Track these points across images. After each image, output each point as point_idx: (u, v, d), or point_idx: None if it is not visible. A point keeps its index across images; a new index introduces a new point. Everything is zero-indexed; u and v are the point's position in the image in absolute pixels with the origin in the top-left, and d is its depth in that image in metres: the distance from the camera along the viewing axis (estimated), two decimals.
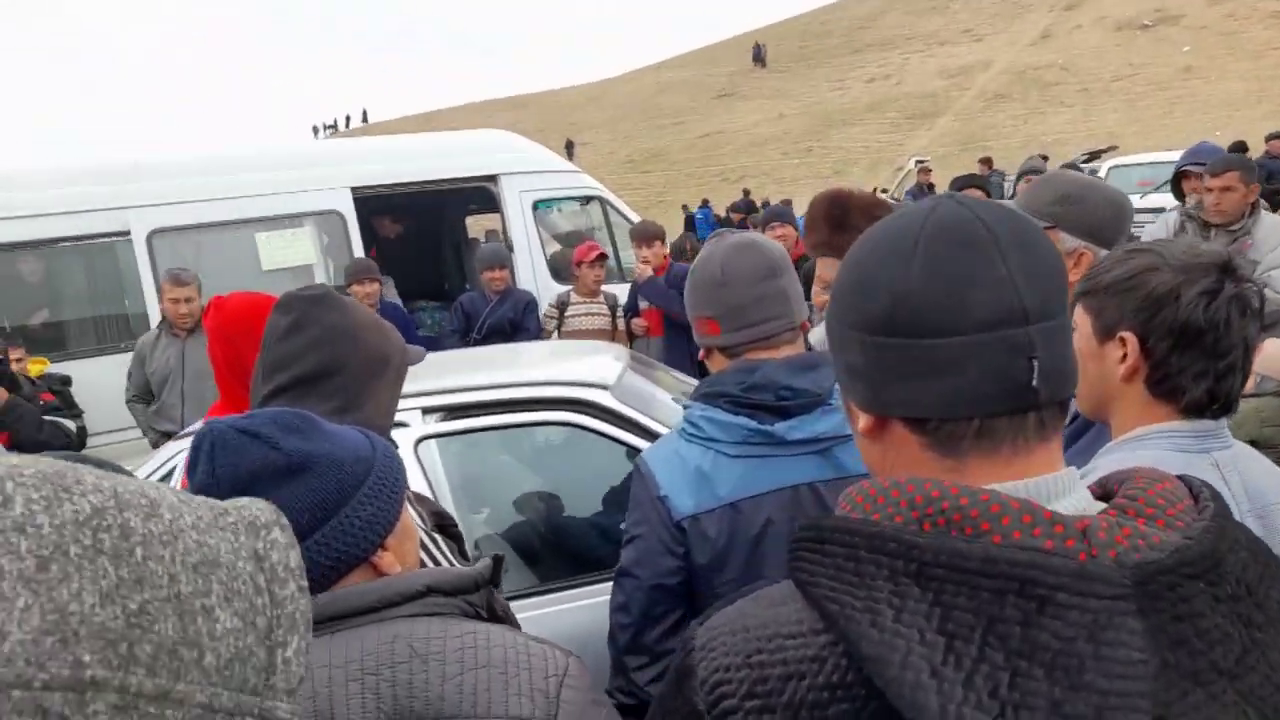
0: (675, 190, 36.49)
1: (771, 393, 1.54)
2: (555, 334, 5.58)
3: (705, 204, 22.18)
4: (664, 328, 5.25)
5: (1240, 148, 6.08)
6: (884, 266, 0.74)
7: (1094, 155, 18.48)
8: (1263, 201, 3.94)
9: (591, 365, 3.16)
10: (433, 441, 2.62)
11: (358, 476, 1.07)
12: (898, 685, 0.61)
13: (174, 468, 2.68)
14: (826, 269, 2.12)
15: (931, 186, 14.60)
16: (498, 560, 1.19)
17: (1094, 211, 2.00)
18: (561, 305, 5.71)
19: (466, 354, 3.57)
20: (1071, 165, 16.73)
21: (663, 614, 1.55)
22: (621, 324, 5.60)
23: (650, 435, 2.75)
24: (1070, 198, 1.99)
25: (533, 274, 6.60)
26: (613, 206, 7.19)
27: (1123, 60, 41.35)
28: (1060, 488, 0.71)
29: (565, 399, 2.77)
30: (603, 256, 5.58)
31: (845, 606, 0.66)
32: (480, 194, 7.07)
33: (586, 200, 7.49)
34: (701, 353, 1.70)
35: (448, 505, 2.53)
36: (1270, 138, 11.34)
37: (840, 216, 2.11)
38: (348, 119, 77.34)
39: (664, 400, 3.06)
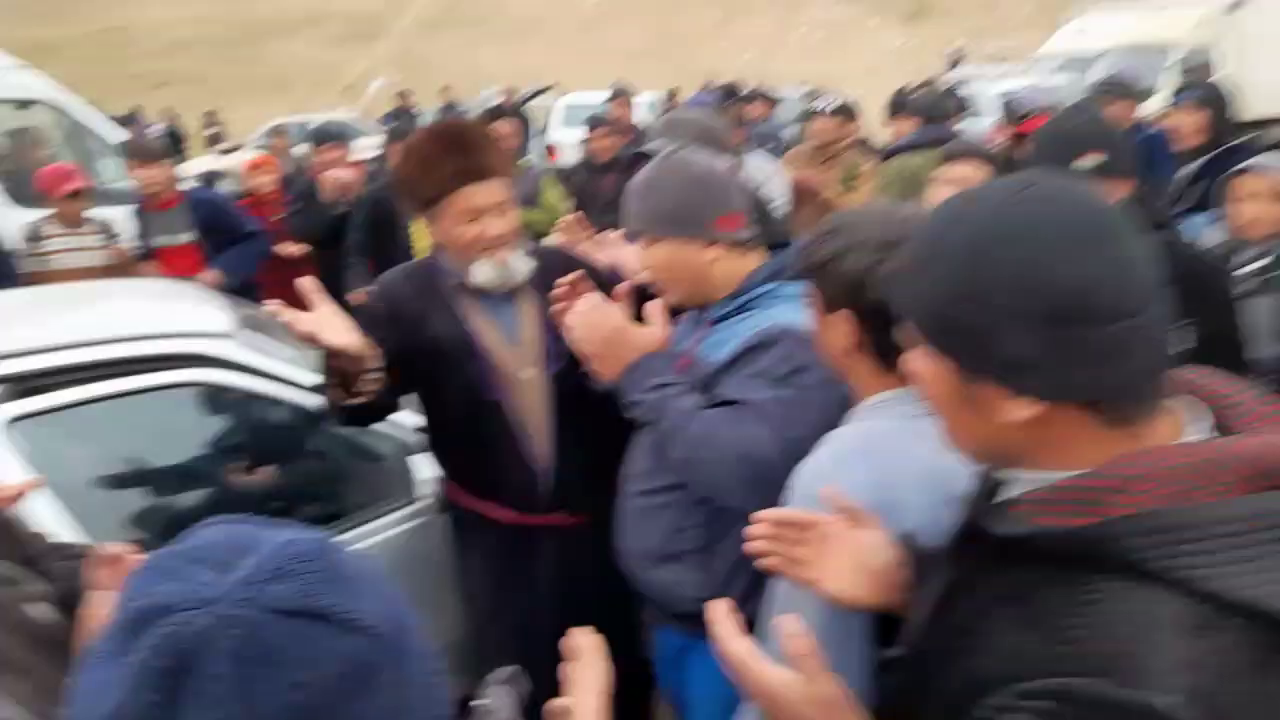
0: (82, 94, 30.44)
1: None
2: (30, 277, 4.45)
3: (136, 112, 18.97)
4: (207, 265, 4.54)
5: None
6: (1067, 258, 0.76)
7: (540, 91, 20.10)
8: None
9: (199, 310, 2.68)
10: (26, 424, 2.00)
11: (413, 620, 0.70)
12: None
13: None
14: (475, 197, 1.98)
15: (411, 111, 14.51)
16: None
17: (722, 138, 2.70)
18: (35, 238, 4.59)
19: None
20: (521, 101, 18.10)
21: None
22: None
23: (288, 384, 2.45)
24: (707, 130, 2.63)
25: None
26: (73, 116, 5.85)
27: (543, 3, 45.13)
28: None
29: (188, 354, 2.33)
30: (80, 192, 4.58)
31: (1263, 587, 0.71)
32: None
33: (26, 104, 5.98)
34: (713, 254, 1.75)
35: (65, 510, 1.98)
36: (671, 95, 13.63)
37: (467, 140, 2.01)
38: None
39: (277, 344, 2.74)
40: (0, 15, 42.12)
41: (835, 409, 1.50)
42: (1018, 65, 18.22)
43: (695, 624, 1.77)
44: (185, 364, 2.28)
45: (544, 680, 1.12)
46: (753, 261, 1.79)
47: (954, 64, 20.11)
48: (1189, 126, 3.79)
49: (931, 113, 4.37)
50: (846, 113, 4.66)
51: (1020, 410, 0.80)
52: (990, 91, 11.28)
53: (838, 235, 1.37)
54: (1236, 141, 3.75)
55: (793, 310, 1.68)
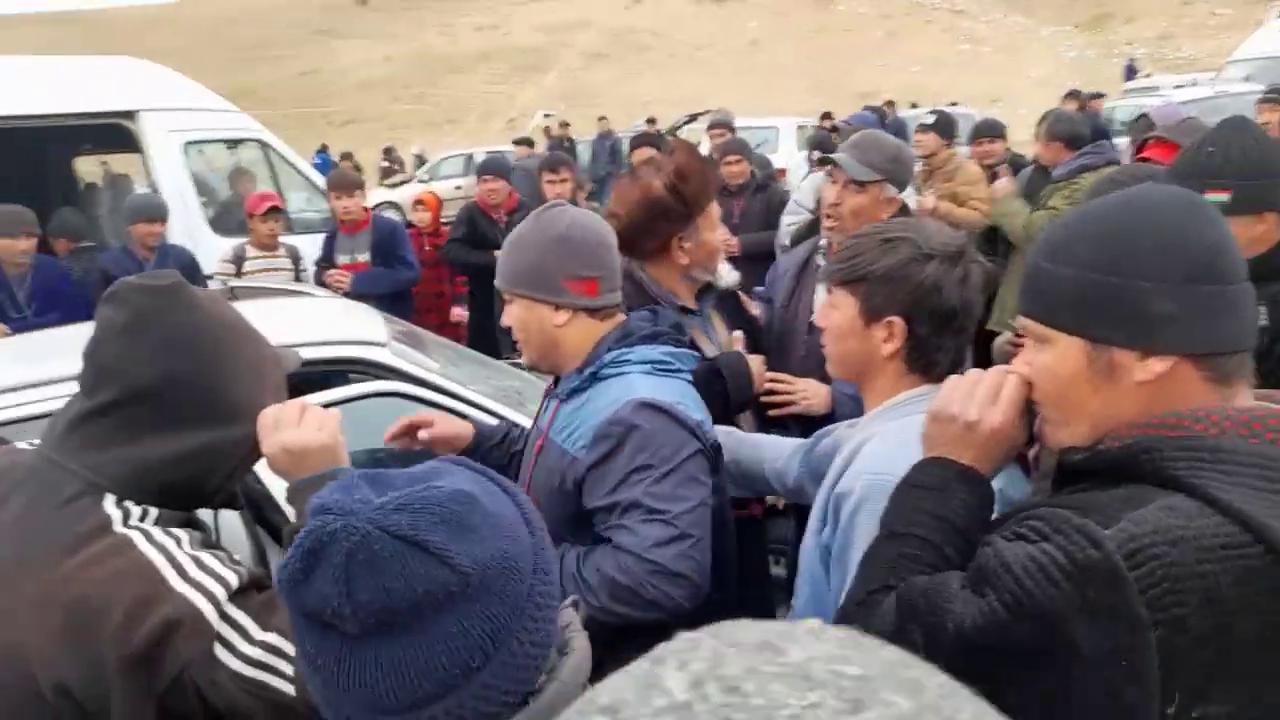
0: (277, 132, 33.54)
1: (680, 330, 1.81)
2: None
3: (324, 149, 20.80)
4: None
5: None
6: (1192, 224, 0.91)
7: (694, 117, 20.51)
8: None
9: (353, 321, 3.02)
10: None
11: (527, 577, 0.81)
12: None
13: None
14: (716, 209, 2.19)
15: (571, 141, 15.22)
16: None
17: (909, 168, 2.56)
18: (238, 259, 5.23)
19: None
20: (674, 128, 18.53)
21: (703, 535, 1.56)
22: (308, 277, 5.28)
23: (434, 388, 2.71)
24: (898, 158, 2.42)
25: (188, 227, 5.84)
26: (277, 151, 6.59)
27: (702, 31, 45.90)
28: None
29: (354, 359, 2.65)
30: (276, 209, 5.22)
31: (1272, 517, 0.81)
32: (106, 132, 6.04)
33: (237, 143, 6.77)
34: (563, 317, 1.68)
35: None
36: (824, 117, 13.62)
37: (701, 172, 2.16)
38: None
39: (426, 353, 3.02)
40: (207, 63, 46.95)
41: (697, 470, 1.58)
42: (1205, 74, 16.98)
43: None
44: (353, 368, 2.59)
45: None
46: (608, 328, 1.71)
47: (1130, 74, 18.92)
48: None
49: (1072, 142, 4.36)
50: (945, 126, 4.73)
51: (1153, 367, 0.91)
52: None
53: (904, 244, 1.43)
54: None
55: (640, 381, 1.62)
